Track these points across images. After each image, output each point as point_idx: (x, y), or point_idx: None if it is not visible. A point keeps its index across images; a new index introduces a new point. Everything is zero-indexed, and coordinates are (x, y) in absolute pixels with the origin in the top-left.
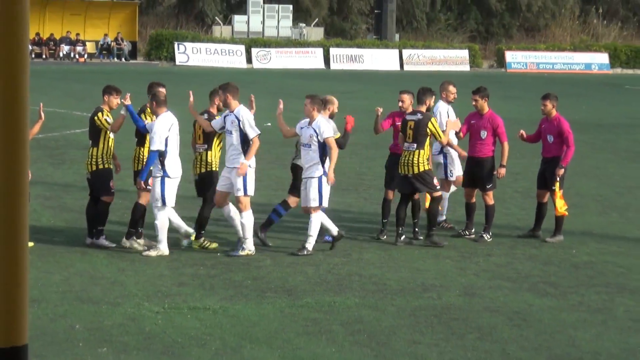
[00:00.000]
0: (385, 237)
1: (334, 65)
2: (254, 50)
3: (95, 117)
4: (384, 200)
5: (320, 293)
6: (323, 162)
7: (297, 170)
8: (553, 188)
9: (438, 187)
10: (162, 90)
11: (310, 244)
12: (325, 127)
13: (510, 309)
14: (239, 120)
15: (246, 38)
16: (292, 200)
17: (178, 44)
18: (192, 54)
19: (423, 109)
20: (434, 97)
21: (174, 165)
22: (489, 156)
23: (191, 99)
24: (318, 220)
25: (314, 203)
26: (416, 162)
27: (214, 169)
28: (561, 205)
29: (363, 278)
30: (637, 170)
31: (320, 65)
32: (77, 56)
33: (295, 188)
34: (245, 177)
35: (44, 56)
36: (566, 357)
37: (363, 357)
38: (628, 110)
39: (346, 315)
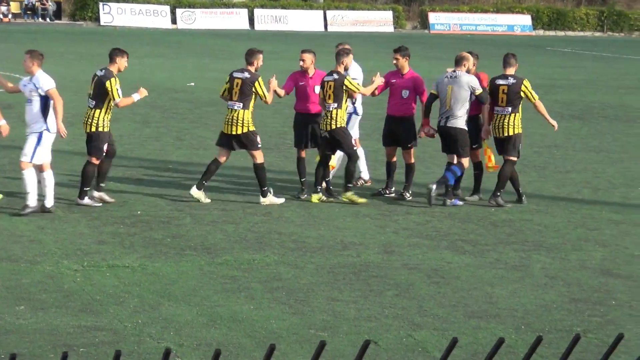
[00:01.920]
0: (306, 196)
1: (258, 26)
2: (178, 11)
3: (107, 83)
4: (297, 159)
5: (239, 251)
6: (46, 117)
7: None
8: (475, 146)
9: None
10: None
11: (28, 201)
12: (45, 80)
13: (428, 266)
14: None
15: None
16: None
17: (103, 4)
18: (116, 15)
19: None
20: (350, 56)
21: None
22: (410, 114)
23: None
24: (29, 176)
25: (25, 158)
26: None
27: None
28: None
29: (283, 236)
30: (555, 130)
31: (245, 26)
32: (1, 16)
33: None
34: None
35: None
36: (483, 313)
37: (281, 314)
38: (548, 72)
39: (265, 272)
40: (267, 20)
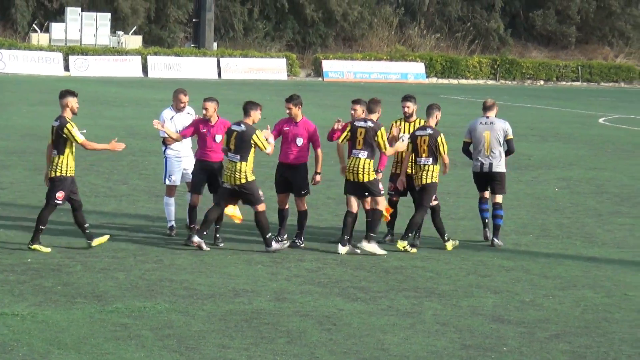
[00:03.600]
0: (197, 241)
1: (152, 73)
2: (71, 58)
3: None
4: (190, 206)
5: (130, 298)
6: None
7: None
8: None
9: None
10: None
11: None
12: None
13: (320, 313)
14: None
15: (64, 46)
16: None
17: None
18: (9, 61)
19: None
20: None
21: None
22: (304, 162)
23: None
24: None
25: None
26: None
27: None
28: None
29: (174, 283)
30: (447, 177)
31: (139, 73)
32: None
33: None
34: None
35: None
36: None
37: None
38: (443, 119)
39: (156, 320)
40: (160, 67)
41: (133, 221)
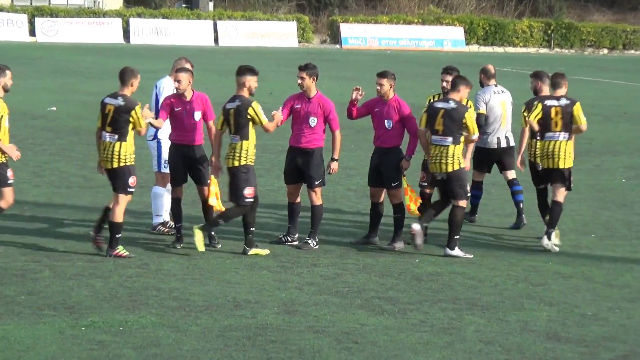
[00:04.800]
0: (181, 246)
1: (135, 39)
2: (38, 21)
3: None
4: (173, 201)
5: (109, 310)
6: None
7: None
8: (393, 184)
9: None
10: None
11: None
12: None
13: (338, 329)
14: None
15: (29, 6)
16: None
17: None
18: None
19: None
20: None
21: None
22: (318, 147)
23: None
24: None
25: None
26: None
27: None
28: (413, 205)
29: (162, 292)
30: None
31: (119, 39)
32: None
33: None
34: None
35: None
36: None
37: None
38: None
39: (140, 337)
40: (145, 32)
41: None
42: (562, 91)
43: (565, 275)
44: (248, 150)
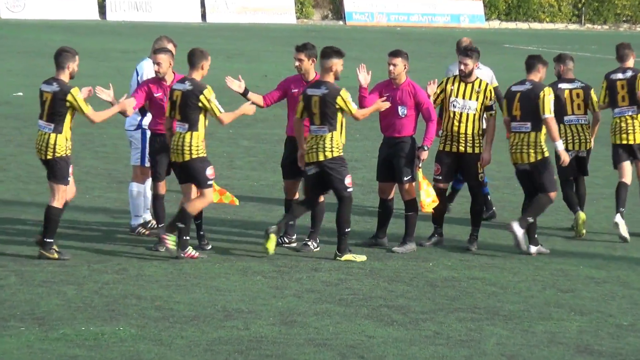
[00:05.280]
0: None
1: (111, 15)
2: None
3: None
4: (154, 197)
5: (82, 321)
6: None
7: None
8: (406, 179)
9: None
10: None
11: None
12: None
13: (342, 342)
14: None
15: None
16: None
17: None
18: None
19: None
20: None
21: None
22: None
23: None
24: None
25: None
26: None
27: None
28: (428, 201)
29: (143, 301)
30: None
31: (94, 15)
32: None
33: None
34: None
35: None
36: None
37: None
38: (507, 77)
39: (118, 350)
40: (123, 6)
41: (87, 216)
42: (630, 63)
43: (599, 281)
44: (337, 141)
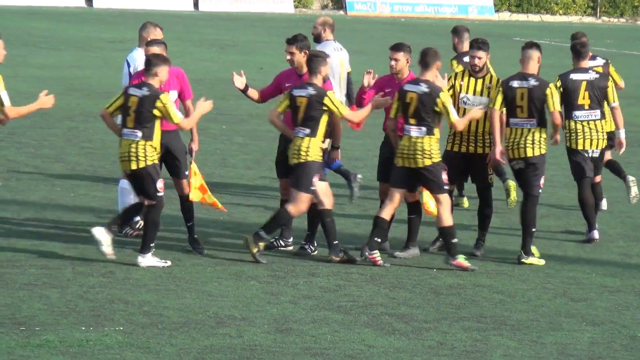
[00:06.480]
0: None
1: (98, 2)
2: None
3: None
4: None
5: (66, 327)
6: None
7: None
8: None
9: None
10: None
11: None
12: None
13: (340, 351)
14: None
15: None
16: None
17: None
18: None
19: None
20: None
21: None
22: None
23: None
24: None
25: None
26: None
27: None
28: (432, 203)
29: (130, 306)
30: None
31: (79, 1)
32: None
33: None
34: None
35: None
36: None
37: None
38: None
39: (104, 358)
40: None
41: (71, 215)
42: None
43: (612, 289)
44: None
